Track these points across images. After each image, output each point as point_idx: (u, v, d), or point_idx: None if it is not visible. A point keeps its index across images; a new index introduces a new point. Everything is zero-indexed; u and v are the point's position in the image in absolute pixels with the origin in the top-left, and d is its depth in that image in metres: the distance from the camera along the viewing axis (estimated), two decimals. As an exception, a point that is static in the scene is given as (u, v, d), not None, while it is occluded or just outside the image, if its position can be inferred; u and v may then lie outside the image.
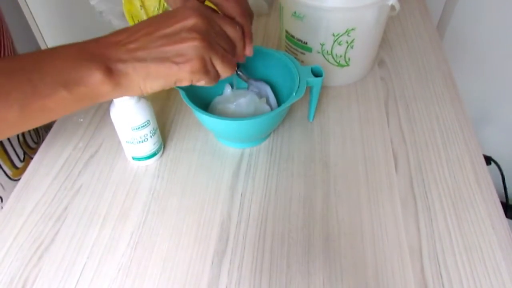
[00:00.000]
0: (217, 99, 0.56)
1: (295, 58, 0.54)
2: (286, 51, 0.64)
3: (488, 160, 1.15)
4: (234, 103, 0.53)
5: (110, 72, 0.34)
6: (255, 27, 0.77)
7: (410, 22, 0.77)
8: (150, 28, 0.36)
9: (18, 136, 0.61)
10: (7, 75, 0.32)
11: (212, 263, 0.43)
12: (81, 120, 0.60)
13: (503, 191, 1.18)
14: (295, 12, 0.57)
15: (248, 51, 0.44)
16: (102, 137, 0.57)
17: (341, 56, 0.59)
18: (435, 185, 0.49)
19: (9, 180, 0.58)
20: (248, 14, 0.44)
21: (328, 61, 0.60)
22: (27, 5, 1.30)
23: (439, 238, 0.44)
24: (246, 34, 0.44)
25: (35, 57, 0.34)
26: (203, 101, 0.55)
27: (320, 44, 0.58)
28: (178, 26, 0.36)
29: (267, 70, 0.56)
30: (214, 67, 0.39)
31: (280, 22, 0.63)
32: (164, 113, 0.60)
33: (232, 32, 0.41)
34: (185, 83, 0.38)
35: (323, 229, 0.46)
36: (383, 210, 0.47)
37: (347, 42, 0.57)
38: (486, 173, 0.50)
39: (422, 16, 0.78)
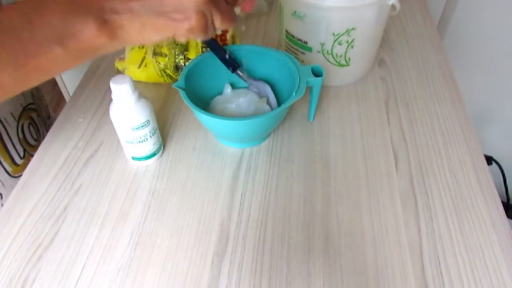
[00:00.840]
0: (217, 99, 0.56)
1: (295, 57, 0.54)
2: (286, 50, 0.64)
3: (489, 160, 1.15)
4: (234, 103, 0.53)
5: (105, 23, 0.32)
6: (255, 27, 0.77)
7: (411, 22, 0.76)
8: None
9: (18, 133, 0.61)
10: None
11: (212, 263, 0.43)
12: (81, 120, 0.60)
13: (504, 191, 1.18)
14: (295, 12, 0.57)
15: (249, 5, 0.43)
16: (102, 137, 0.57)
17: (341, 55, 0.59)
18: (436, 185, 0.49)
19: (9, 177, 0.58)
20: None
21: (328, 60, 0.60)
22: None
23: (439, 238, 0.44)
24: None
25: (24, 11, 0.31)
26: (203, 101, 0.55)
27: (320, 43, 0.58)
28: None
29: (267, 70, 0.56)
30: (213, 23, 0.37)
31: (280, 22, 0.63)
32: (164, 113, 0.60)
33: None
34: (182, 39, 0.37)
35: (323, 229, 0.45)
36: (383, 210, 0.47)
37: (347, 42, 0.57)
38: (487, 173, 0.50)
39: (422, 15, 0.78)
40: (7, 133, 0.59)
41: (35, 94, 0.69)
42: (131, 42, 0.35)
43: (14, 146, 0.59)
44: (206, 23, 0.35)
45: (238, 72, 0.54)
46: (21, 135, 0.61)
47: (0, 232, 0.47)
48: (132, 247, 0.45)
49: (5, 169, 0.57)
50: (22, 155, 0.60)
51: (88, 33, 0.32)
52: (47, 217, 0.48)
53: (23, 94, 0.65)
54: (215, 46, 0.52)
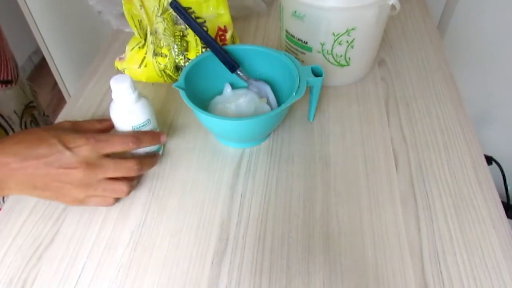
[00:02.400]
0: (217, 99, 0.56)
1: (295, 57, 0.54)
2: (286, 51, 0.64)
3: (489, 160, 1.15)
4: (234, 104, 0.53)
5: None
6: (255, 27, 0.77)
7: (411, 22, 0.76)
8: (40, 163, 0.42)
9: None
10: None
11: (212, 263, 0.43)
12: (81, 120, 0.59)
13: (504, 191, 1.18)
14: (295, 12, 0.57)
15: (162, 139, 0.50)
16: (102, 137, 0.57)
17: (341, 55, 0.59)
18: (436, 185, 0.49)
19: None
20: (132, 135, 0.47)
21: (328, 60, 0.60)
22: (26, 5, 1.30)
23: (439, 238, 0.44)
24: (149, 138, 0.48)
25: None
26: (203, 101, 0.55)
27: (320, 43, 0.58)
28: (63, 173, 0.42)
29: (267, 70, 0.56)
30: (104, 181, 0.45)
31: (280, 22, 0.63)
32: (164, 113, 0.60)
33: (124, 163, 0.45)
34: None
35: (323, 229, 0.45)
36: (383, 210, 0.47)
37: (347, 42, 0.57)
38: (487, 173, 0.50)
39: (422, 15, 0.78)
40: (13, 131, 0.59)
41: (33, 93, 0.70)
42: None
43: None
44: (79, 202, 0.46)
45: (238, 72, 0.54)
46: None
47: (1, 232, 0.47)
48: (132, 247, 0.45)
49: None
50: None
51: None
52: (47, 217, 0.48)
53: (24, 92, 0.65)
54: (215, 46, 0.52)
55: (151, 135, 0.48)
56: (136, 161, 0.46)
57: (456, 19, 1.06)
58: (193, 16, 0.55)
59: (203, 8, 0.57)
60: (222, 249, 0.44)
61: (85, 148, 0.43)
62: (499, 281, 0.41)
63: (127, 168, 0.45)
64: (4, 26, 0.65)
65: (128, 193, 0.47)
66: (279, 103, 0.55)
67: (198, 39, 0.59)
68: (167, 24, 0.57)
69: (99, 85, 0.65)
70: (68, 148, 0.42)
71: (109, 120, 0.49)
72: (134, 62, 0.63)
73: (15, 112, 0.61)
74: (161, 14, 0.56)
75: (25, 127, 0.63)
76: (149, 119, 0.49)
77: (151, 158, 0.50)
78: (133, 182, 0.48)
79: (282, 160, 0.53)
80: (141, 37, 0.63)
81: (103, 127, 0.50)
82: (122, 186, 0.46)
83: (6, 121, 0.59)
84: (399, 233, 0.45)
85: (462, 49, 1.12)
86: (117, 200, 0.48)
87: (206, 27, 0.59)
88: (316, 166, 0.52)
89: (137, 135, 0.46)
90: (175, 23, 0.58)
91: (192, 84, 0.51)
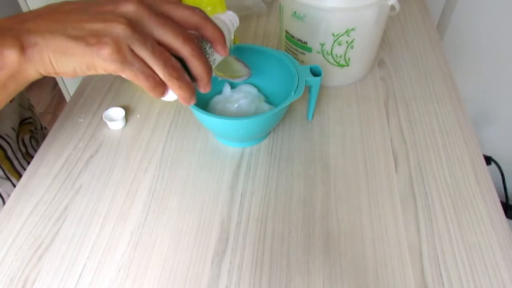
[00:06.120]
0: (217, 98, 0.56)
1: (295, 58, 0.54)
2: (286, 51, 0.64)
3: (488, 160, 1.15)
4: (236, 105, 0.53)
5: (23, 46, 0.31)
6: (255, 27, 0.77)
7: (410, 22, 0.77)
8: (78, 5, 0.32)
9: (19, 147, 0.61)
10: None
11: (212, 263, 0.43)
12: (81, 120, 0.60)
13: (503, 191, 1.18)
14: (295, 12, 0.57)
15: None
16: (102, 137, 0.57)
17: (341, 56, 0.59)
18: (435, 185, 0.49)
19: None
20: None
21: (328, 61, 0.60)
22: (27, 5, 1.30)
23: (439, 238, 0.44)
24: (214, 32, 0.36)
25: None
26: (203, 100, 0.55)
27: (320, 44, 0.58)
28: (108, 6, 0.32)
29: (267, 69, 0.56)
30: (140, 59, 0.32)
31: (280, 22, 0.63)
32: (164, 113, 0.60)
33: (187, 15, 0.34)
34: (100, 71, 0.32)
35: (323, 229, 0.46)
36: (383, 210, 0.47)
37: (347, 42, 0.57)
38: (486, 173, 0.50)
39: (422, 16, 0.78)
40: (11, 149, 0.59)
41: (31, 107, 0.69)
42: (46, 66, 0.32)
43: (19, 161, 0.60)
44: (122, 53, 0.31)
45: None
46: (23, 149, 0.61)
47: (1, 232, 0.47)
48: (132, 247, 0.45)
49: (13, 184, 0.58)
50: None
51: (9, 58, 0.31)
52: (48, 217, 0.48)
53: (22, 106, 0.65)
54: None
55: (217, 30, 0.36)
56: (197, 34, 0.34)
57: (455, 20, 1.07)
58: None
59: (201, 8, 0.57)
60: (222, 249, 0.44)
61: None
62: (498, 281, 0.41)
63: (185, 36, 0.33)
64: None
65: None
66: (278, 103, 0.55)
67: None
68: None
69: (99, 85, 0.65)
70: None
71: None
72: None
73: (12, 128, 0.60)
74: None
75: (24, 144, 0.62)
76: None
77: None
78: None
79: (282, 160, 0.53)
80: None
81: None
82: (174, 61, 0.33)
83: (4, 139, 0.57)
84: (398, 233, 0.45)
85: (462, 49, 1.12)
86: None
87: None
88: (316, 166, 0.52)
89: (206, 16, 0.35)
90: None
91: (192, 84, 0.51)
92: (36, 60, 0.31)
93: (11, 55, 0.31)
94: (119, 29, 0.30)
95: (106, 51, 0.30)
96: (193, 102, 0.36)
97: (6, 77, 0.32)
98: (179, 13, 0.34)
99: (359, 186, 0.50)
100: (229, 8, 0.60)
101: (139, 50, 0.31)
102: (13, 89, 0.33)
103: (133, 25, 0.31)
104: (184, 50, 0.33)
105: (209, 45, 0.37)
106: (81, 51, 0.31)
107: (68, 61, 0.31)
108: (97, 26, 0.31)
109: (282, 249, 0.44)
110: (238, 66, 0.49)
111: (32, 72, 0.32)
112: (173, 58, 0.33)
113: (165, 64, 0.32)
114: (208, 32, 0.36)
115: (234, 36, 0.64)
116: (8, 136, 0.58)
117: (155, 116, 0.60)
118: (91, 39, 0.30)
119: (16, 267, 0.44)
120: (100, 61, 0.31)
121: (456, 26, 1.08)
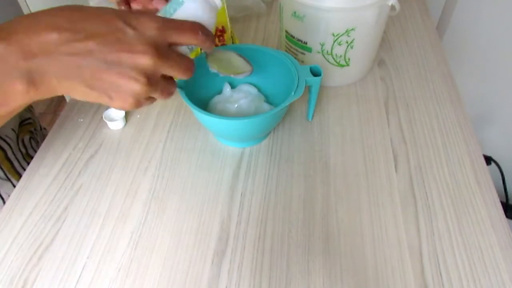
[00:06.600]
0: (217, 98, 0.56)
1: (295, 58, 0.54)
2: (286, 51, 0.64)
3: (488, 160, 1.15)
4: (236, 105, 0.53)
5: (33, 84, 0.31)
6: (255, 27, 0.77)
7: (410, 22, 0.77)
8: (93, 43, 0.31)
9: (19, 148, 0.61)
10: None
11: (212, 263, 0.43)
12: (81, 120, 0.60)
13: (503, 191, 1.18)
14: (295, 12, 0.57)
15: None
16: (102, 137, 0.57)
17: (341, 56, 0.59)
18: (435, 185, 0.49)
19: None
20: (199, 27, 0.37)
21: (328, 61, 0.60)
22: (27, 5, 1.30)
23: (439, 238, 0.44)
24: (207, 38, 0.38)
25: None
26: (203, 100, 0.55)
27: (320, 44, 0.58)
28: (125, 57, 0.32)
29: (267, 69, 0.56)
30: (151, 98, 0.37)
31: (280, 22, 0.63)
32: (164, 113, 0.60)
33: (189, 38, 0.36)
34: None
35: (323, 229, 0.46)
36: (383, 210, 0.47)
37: (347, 42, 0.57)
38: (486, 173, 0.50)
39: (422, 16, 0.78)
40: (12, 150, 0.59)
41: (30, 108, 0.69)
42: (53, 93, 0.33)
43: (19, 162, 0.60)
44: (140, 103, 0.35)
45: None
46: (23, 150, 0.61)
47: (1, 232, 0.47)
48: (132, 247, 0.45)
49: (14, 185, 0.58)
50: None
51: (16, 96, 0.31)
52: (48, 217, 0.48)
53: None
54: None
55: (210, 36, 0.38)
56: (192, 61, 0.37)
57: (455, 20, 1.07)
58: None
59: None
60: (222, 249, 0.44)
61: (152, 28, 0.33)
62: (498, 281, 0.41)
63: (186, 68, 0.36)
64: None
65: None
66: (278, 103, 0.55)
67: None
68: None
69: (99, 85, 0.65)
70: (130, 26, 0.32)
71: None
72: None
73: (12, 129, 0.60)
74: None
75: (24, 145, 0.62)
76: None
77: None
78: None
79: (282, 160, 0.53)
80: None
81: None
82: (173, 88, 0.38)
83: (4, 140, 0.57)
84: (398, 233, 0.45)
85: (461, 49, 1.12)
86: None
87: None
88: (316, 166, 0.52)
89: (204, 28, 0.37)
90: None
91: (191, 84, 0.51)
92: (46, 95, 0.33)
93: (20, 98, 0.31)
94: (138, 88, 0.33)
95: (126, 105, 0.34)
96: None
97: (7, 112, 0.33)
98: (184, 41, 0.36)
99: (359, 186, 0.50)
100: (229, 8, 0.60)
101: (151, 94, 0.35)
102: (10, 116, 0.34)
103: (150, 81, 0.34)
104: (186, 76, 0.38)
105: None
106: (98, 98, 0.33)
107: (81, 98, 0.34)
108: (117, 80, 0.32)
109: (282, 249, 0.44)
110: (240, 63, 0.50)
111: (33, 99, 0.33)
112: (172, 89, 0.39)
113: (167, 97, 0.38)
114: (207, 49, 0.40)
115: (233, 36, 0.64)
116: (8, 137, 0.58)
117: (155, 116, 0.60)
118: (111, 93, 0.33)
119: (16, 267, 0.44)
120: (117, 107, 0.35)
121: (456, 26, 1.08)
